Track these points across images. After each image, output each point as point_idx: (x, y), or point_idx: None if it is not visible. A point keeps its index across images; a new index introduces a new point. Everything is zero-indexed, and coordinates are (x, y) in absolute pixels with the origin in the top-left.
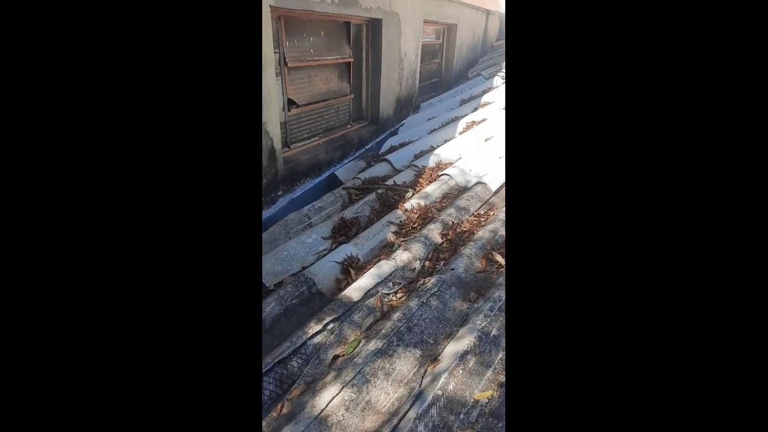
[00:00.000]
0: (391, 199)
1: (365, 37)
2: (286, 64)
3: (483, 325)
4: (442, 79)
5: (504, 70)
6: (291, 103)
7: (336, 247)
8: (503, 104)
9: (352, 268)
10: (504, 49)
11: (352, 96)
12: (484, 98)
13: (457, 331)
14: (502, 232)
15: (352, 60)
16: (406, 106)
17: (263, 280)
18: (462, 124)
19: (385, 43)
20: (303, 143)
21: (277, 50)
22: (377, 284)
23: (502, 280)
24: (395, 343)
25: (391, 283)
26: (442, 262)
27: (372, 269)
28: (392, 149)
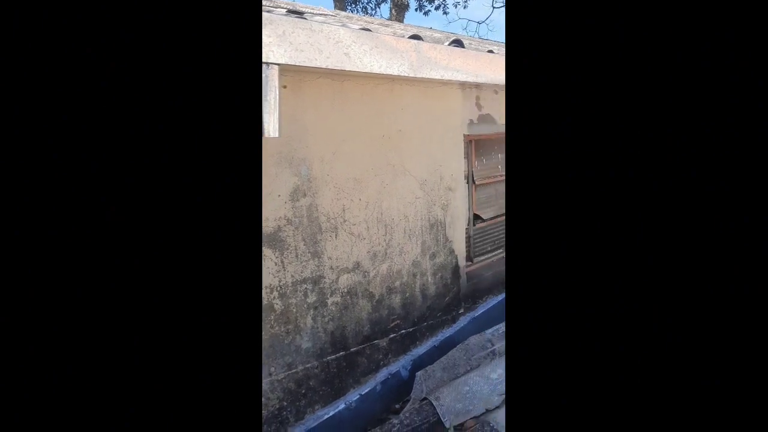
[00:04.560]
0: None
1: None
2: (474, 182)
3: None
4: None
5: None
6: (477, 218)
7: None
8: None
9: None
10: None
11: None
12: None
13: None
14: None
15: None
16: None
17: (442, 418)
18: None
19: None
20: (486, 257)
21: (466, 171)
22: None
23: None
24: None
25: None
26: None
27: None
28: None
